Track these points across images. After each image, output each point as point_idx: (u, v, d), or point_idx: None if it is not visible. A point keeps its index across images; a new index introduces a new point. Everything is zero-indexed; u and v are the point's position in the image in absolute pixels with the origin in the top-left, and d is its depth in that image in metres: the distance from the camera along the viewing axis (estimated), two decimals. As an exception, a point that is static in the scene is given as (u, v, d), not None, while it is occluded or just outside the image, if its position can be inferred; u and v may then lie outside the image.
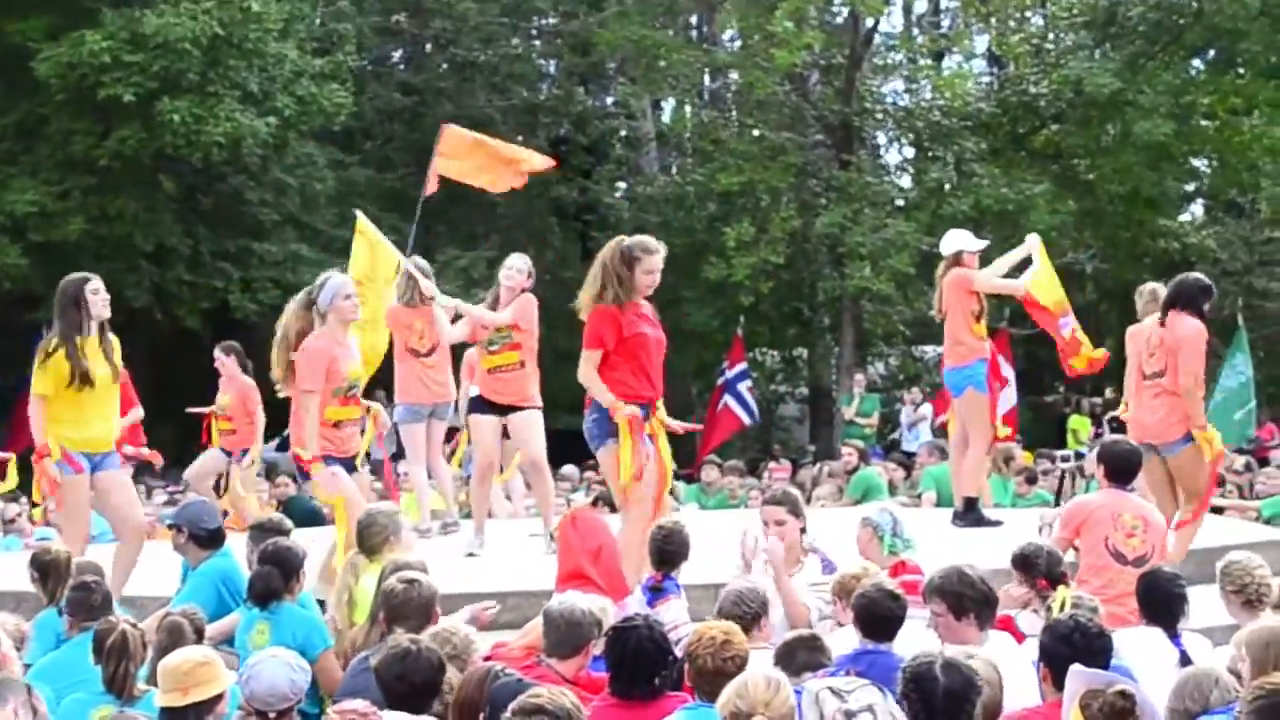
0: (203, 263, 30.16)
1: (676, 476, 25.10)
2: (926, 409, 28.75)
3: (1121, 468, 11.30)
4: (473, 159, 17.82)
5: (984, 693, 6.96)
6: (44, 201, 27.77)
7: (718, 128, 34.78)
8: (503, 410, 14.29)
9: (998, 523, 14.90)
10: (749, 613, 9.27)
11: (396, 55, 37.39)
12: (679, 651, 8.13)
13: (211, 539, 10.81)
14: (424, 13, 35.73)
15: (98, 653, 8.40)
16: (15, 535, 19.08)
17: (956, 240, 15.62)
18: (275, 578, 9.80)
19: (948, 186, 32.45)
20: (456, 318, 15.07)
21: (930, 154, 33.36)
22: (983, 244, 15.84)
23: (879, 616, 8.79)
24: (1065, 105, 31.89)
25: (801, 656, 8.24)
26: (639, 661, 7.85)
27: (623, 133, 37.44)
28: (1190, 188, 36.05)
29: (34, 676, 9.23)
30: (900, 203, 32.50)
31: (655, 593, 10.23)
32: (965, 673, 6.62)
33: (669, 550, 10.29)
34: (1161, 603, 9.41)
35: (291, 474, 20.89)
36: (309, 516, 19.18)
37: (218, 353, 18.39)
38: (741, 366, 30.25)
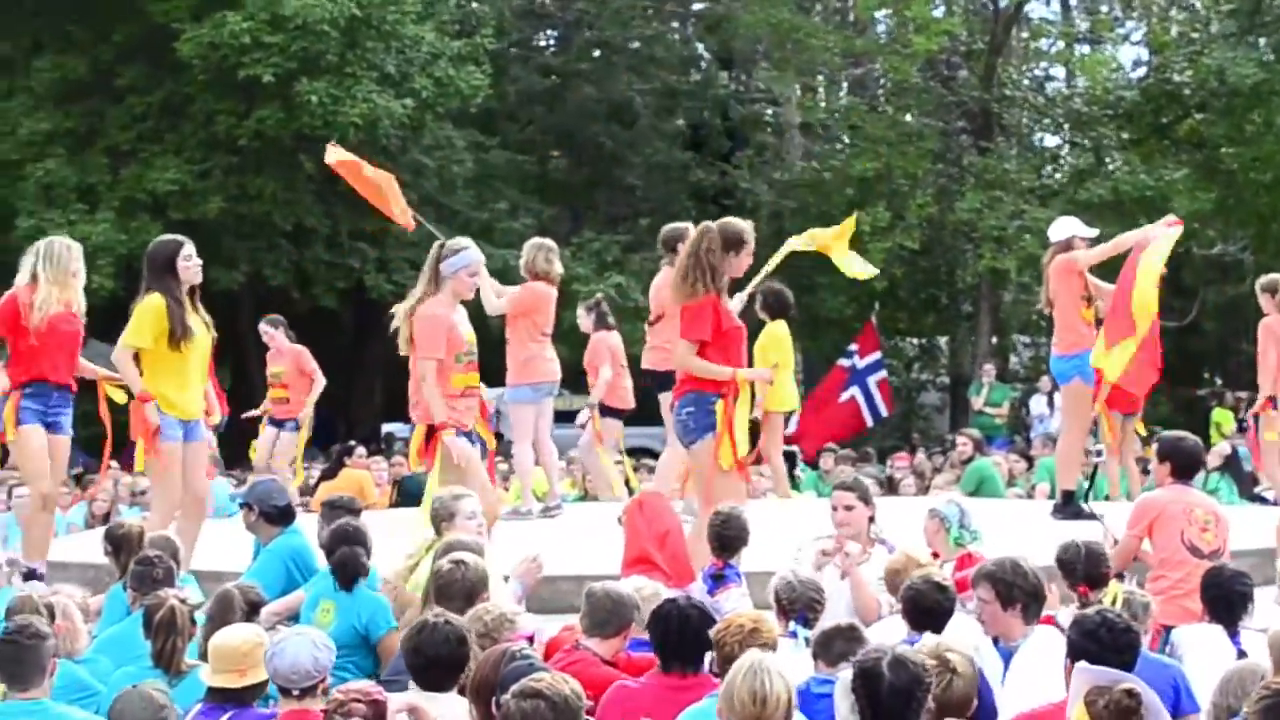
0: (340, 243, 30.52)
1: (791, 460, 25.23)
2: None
3: (1186, 463, 11.21)
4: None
5: (955, 686, 6.96)
6: (185, 180, 28.24)
7: (857, 113, 34.61)
8: None
9: (1096, 516, 14.70)
10: (799, 600, 9.28)
11: (539, 38, 37.49)
12: None
13: (282, 515, 10.95)
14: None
15: (147, 628, 8.57)
16: (139, 507, 19.27)
17: (1066, 226, 15.41)
18: (361, 557, 9.90)
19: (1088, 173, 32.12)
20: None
21: (1071, 141, 33.03)
22: (1094, 231, 15.62)
23: (925, 608, 8.78)
24: (1209, 94, 31.44)
25: (839, 646, 8.21)
26: (683, 636, 7.89)
27: (766, 116, 37.38)
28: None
29: (97, 649, 9.49)
30: (1038, 190, 32.10)
31: (716, 580, 10.23)
32: (913, 670, 6.55)
33: (728, 536, 10.26)
34: (1223, 599, 9.34)
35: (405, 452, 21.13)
36: (422, 494, 19.41)
37: (264, 326, 18.77)
38: (874, 356, 29.47)
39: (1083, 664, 6.77)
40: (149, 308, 11.75)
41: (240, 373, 32.40)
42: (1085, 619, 7.56)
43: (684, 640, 7.88)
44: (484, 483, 12.12)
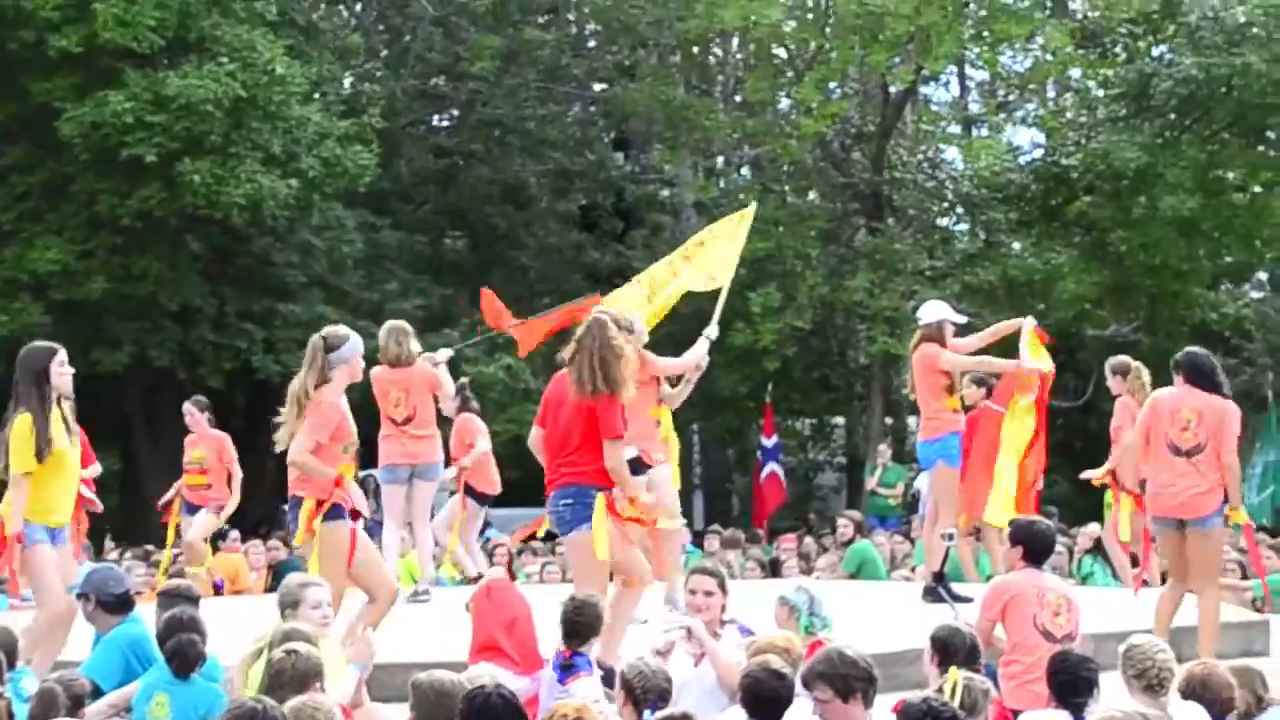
0: (227, 323, 30.25)
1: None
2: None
3: (1039, 548, 11.19)
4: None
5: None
6: (67, 260, 27.92)
7: (751, 193, 34.68)
8: None
9: (965, 599, 14.66)
10: (652, 689, 9.17)
11: (432, 119, 37.44)
12: None
13: (120, 604, 10.73)
14: (460, 76, 35.85)
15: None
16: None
17: (935, 310, 15.51)
18: (199, 645, 9.72)
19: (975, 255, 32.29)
20: None
21: (961, 223, 33.21)
22: (961, 319, 15.71)
23: (764, 697, 8.70)
24: (1096, 177, 31.67)
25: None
26: None
27: (661, 196, 37.43)
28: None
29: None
30: (928, 271, 32.21)
31: (565, 670, 10.10)
32: None
33: (580, 623, 10.16)
34: (1069, 685, 9.33)
35: (283, 537, 20.95)
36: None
37: (188, 406, 18.47)
38: (772, 442, 30.29)
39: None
40: (20, 432, 11.60)
41: (128, 455, 32.09)
42: (911, 707, 7.49)
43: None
44: (372, 561, 11.98)
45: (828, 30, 31.50)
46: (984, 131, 35.98)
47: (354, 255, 32.06)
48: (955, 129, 36.30)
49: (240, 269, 31.15)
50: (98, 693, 10.24)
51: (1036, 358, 15.47)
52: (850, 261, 32.53)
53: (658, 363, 13.95)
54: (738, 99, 34.93)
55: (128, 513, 30.18)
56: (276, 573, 20.08)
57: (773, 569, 21.85)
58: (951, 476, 15.13)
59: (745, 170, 38.25)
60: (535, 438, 11.89)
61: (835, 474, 39.08)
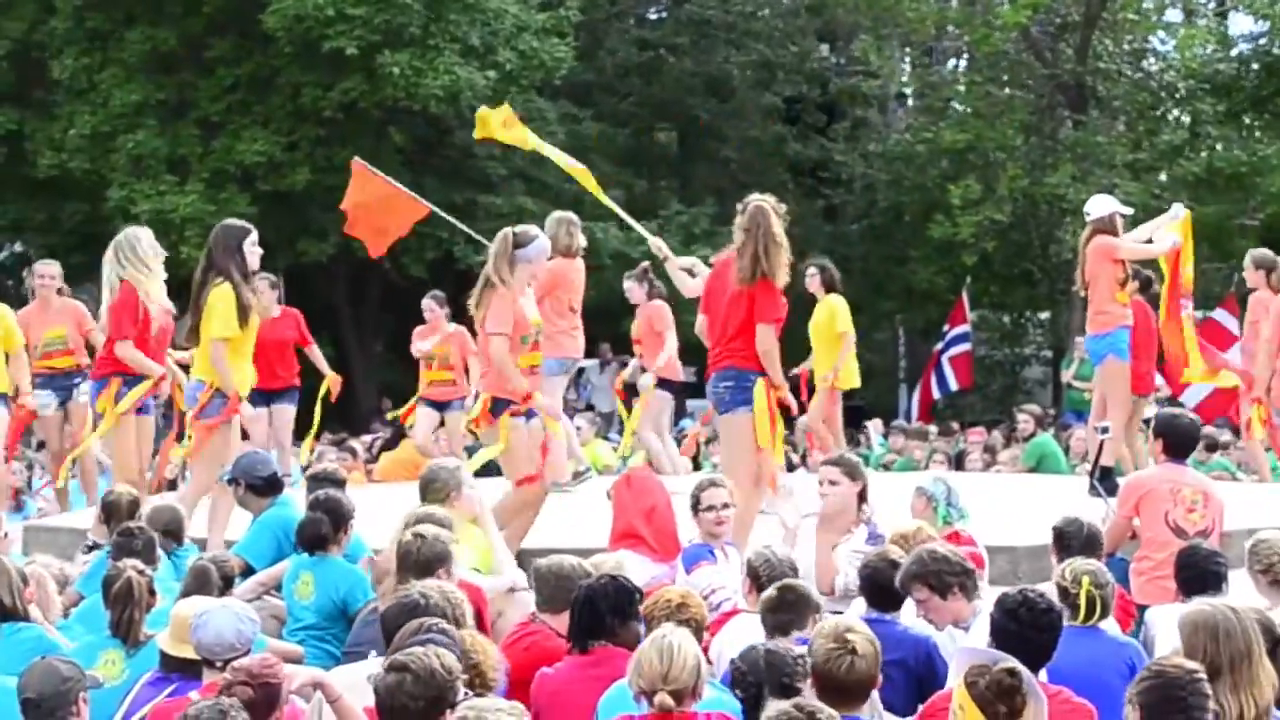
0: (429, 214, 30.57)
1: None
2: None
3: (1180, 442, 11.07)
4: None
5: (857, 666, 6.96)
6: (272, 152, 28.52)
7: (948, 84, 34.46)
8: None
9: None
10: (776, 575, 9.29)
11: (637, 11, 37.46)
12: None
13: (269, 486, 11.07)
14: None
15: (105, 598, 8.70)
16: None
17: (1103, 204, 15.37)
18: (324, 524, 10.04)
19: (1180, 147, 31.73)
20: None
21: (1164, 114, 32.64)
22: (1130, 210, 15.58)
23: (882, 586, 8.79)
24: (1309, 67, 31.03)
25: (786, 615, 8.24)
26: (586, 613, 8.00)
27: (866, 87, 37.21)
28: None
29: (76, 618, 9.66)
30: (1133, 163, 31.74)
31: (693, 558, 10.29)
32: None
33: None
34: (1196, 579, 9.31)
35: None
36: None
37: (429, 303, 18.36)
38: (957, 330, 29.80)
39: (966, 644, 6.76)
40: (224, 296, 12.05)
41: (336, 343, 32.75)
42: (1006, 598, 7.56)
43: (594, 616, 7.97)
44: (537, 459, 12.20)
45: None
46: (1196, 21, 35.32)
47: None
48: (1171, 15, 35.60)
49: (443, 160, 31.55)
50: (250, 571, 10.63)
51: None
52: (1053, 153, 32.16)
53: None
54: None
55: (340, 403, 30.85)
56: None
57: (957, 462, 21.82)
58: (1121, 371, 14.97)
59: (957, 61, 37.79)
60: (701, 324, 12.07)
61: (1041, 367, 38.76)
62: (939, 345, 30.02)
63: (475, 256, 30.25)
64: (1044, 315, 38.03)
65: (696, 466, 19.72)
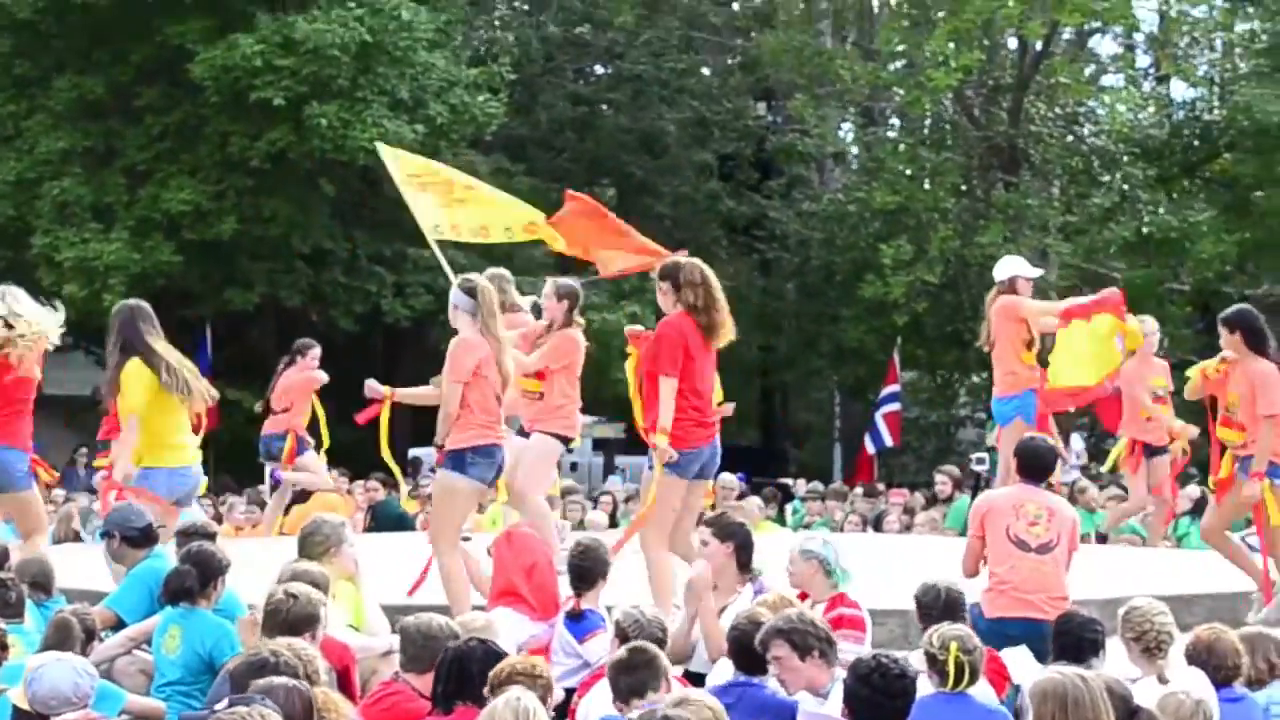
0: (358, 266, 30.59)
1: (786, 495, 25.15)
2: (1076, 440, 28.11)
3: (1034, 464, 11.00)
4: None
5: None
6: (199, 200, 28.40)
7: (882, 145, 34.57)
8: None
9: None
10: (645, 636, 9.15)
11: (571, 68, 37.46)
12: None
13: (143, 539, 10.91)
14: (600, 24, 35.94)
15: (-44, 650, 8.54)
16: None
17: (1010, 266, 15.34)
18: (190, 577, 9.86)
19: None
20: None
21: (1096, 178, 32.76)
22: (1038, 271, 15.56)
23: (749, 648, 8.66)
24: (1238, 133, 31.12)
25: (634, 678, 8.09)
26: (454, 674, 7.93)
27: (800, 146, 37.26)
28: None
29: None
30: (1063, 226, 31.89)
31: (575, 621, 10.14)
32: None
33: (584, 568, 10.22)
34: (1072, 646, 9.19)
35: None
36: (395, 522, 19.45)
37: None
38: (890, 389, 30.07)
39: (820, 711, 6.67)
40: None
41: (263, 392, 32.53)
42: (860, 663, 7.50)
43: (463, 677, 7.86)
44: None
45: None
46: (1140, 86, 35.54)
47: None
48: (1111, 79, 35.84)
49: (372, 211, 31.48)
50: (121, 624, 10.46)
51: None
52: (985, 215, 32.24)
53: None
54: (871, 48, 34.67)
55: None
56: (374, 513, 20.37)
57: (876, 523, 21.73)
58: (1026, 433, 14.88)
59: (901, 121, 37.93)
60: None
61: (975, 429, 38.79)
62: (875, 404, 30.26)
63: (402, 309, 30.30)
64: (976, 378, 38.12)
65: (613, 524, 19.61)
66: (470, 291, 11.39)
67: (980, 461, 13.88)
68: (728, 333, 11.63)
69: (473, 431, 11.21)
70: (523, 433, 13.93)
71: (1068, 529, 10.67)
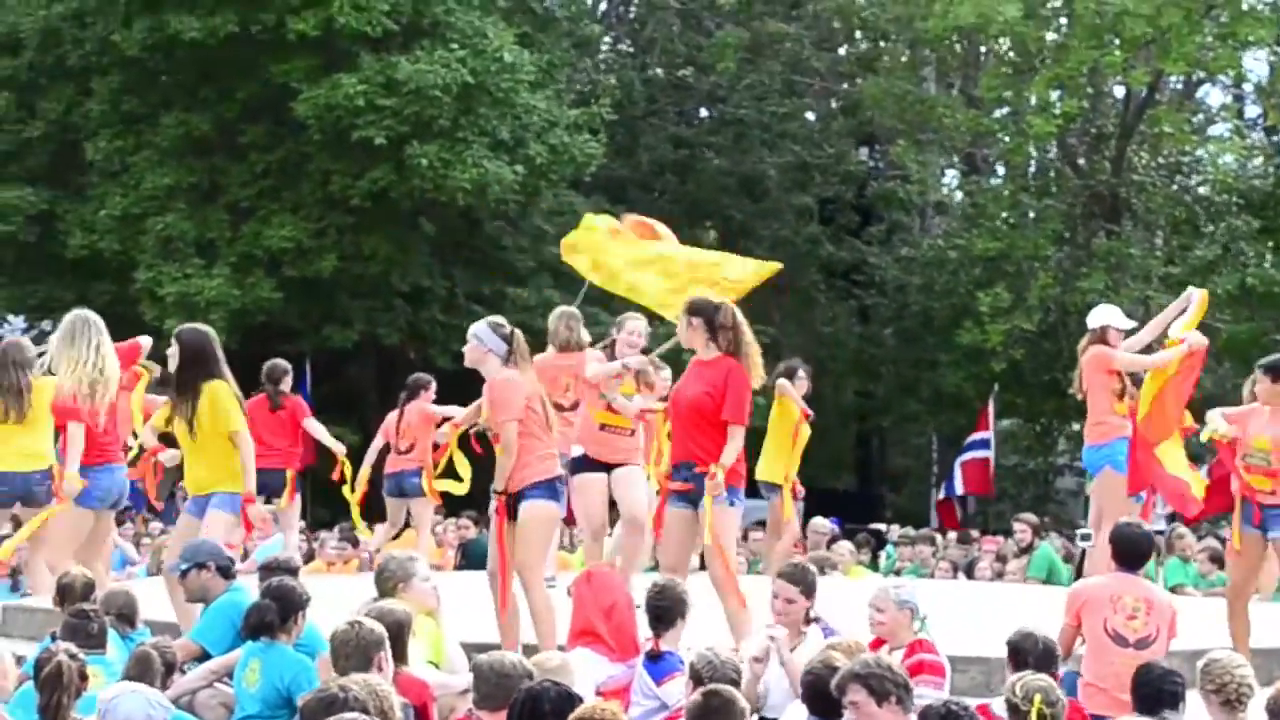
0: (457, 304, 30.73)
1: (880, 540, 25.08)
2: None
3: (1129, 550, 10.88)
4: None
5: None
6: (300, 237, 28.67)
7: (983, 192, 34.47)
8: (609, 468, 14.16)
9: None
10: (719, 678, 9.15)
11: (673, 110, 37.57)
12: None
13: (231, 570, 11.01)
14: (704, 67, 36.07)
15: (36, 681, 8.60)
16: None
17: (1102, 315, 15.22)
18: (270, 612, 9.92)
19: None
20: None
21: (1199, 228, 32.53)
22: (1131, 323, 15.43)
23: (823, 692, 8.63)
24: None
25: None
26: (527, 713, 7.80)
27: (901, 192, 37.20)
28: None
29: (16, 700, 9.54)
30: (1165, 277, 31.63)
31: (654, 661, 10.15)
32: None
33: (662, 607, 10.22)
34: (1152, 697, 9.14)
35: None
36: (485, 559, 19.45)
37: None
38: (980, 435, 29.85)
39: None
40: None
41: (363, 428, 32.77)
42: (930, 711, 7.44)
43: (536, 716, 7.80)
44: None
45: (1063, 29, 31.04)
46: (1249, 135, 35.31)
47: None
48: (1219, 129, 35.60)
49: (472, 251, 31.68)
50: (206, 656, 10.55)
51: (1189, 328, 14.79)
52: (1085, 263, 32.06)
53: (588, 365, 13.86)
54: (974, 94, 34.58)
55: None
56: (465, 551, 20.42)
57: (969, 570, 21.62)
58: (1118, 483, 14.77)
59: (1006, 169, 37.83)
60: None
61: (1074, 477, 38.56)
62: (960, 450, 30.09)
63: (502, 349, 30.41)
64: (1076, 426, 37.88)
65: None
66: (505, 337, 11.39)
67: (1086, 538, 13.75)
68: (759, 375, 11.66)
69: (550, 460, 11.29)
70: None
71: (1166, 620, 10.54)
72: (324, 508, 27.24)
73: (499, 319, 11.84)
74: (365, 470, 17.95)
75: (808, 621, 10.39)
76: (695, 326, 11.58)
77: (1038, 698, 8.27)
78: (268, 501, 16.31)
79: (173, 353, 12.11)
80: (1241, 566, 12.54)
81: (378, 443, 18.18)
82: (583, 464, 14.08)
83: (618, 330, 14.30)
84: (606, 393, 13.89)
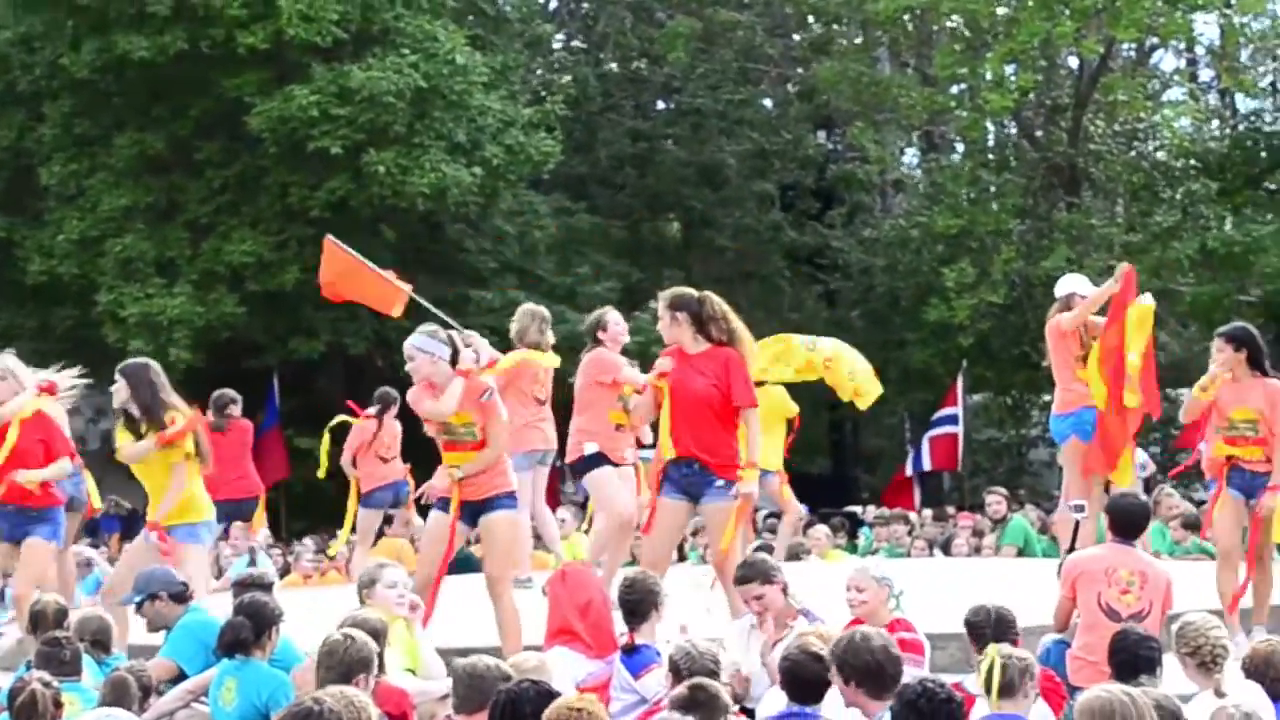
0: (421, 311, 30.55)
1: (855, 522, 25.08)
2: (1141, 455, 27.86)
3: (1126, 521, 10.89)
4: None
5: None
6: (261, 252, 28.58)
7: (941, 170, 34.48)
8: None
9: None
10: (697, 669, 9.13)
11: (628, 104, 37.52)
12: None
13: (185, 595, 11.01)
14: (656, 59, 36.03)
15: (10, 709, 8.56)
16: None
17: (1069, 284, 15.18)
18: (244, 629, 9.91)
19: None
20: None
21: (1158, 195, 32.57)
22: (1095, 289, 15.38)
23: (803, 679, 8.63)
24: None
25: (698, 715, 8.07)
26: (507, 716, 7.79)
27: (860, 173, 37.18)
28: None
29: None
30: (1127, 245, 31.65)
31: (630, 655, 10.13)
32: None
33: (633, 601, 10.21)
34: (1129, 664, 9.15)
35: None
36: (462, 564, 19.42)
37: None
38: (947, 411, 29.83)
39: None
40: None
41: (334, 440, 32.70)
42: (907, 689, 7.45)
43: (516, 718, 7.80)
44: None
45: (1013, 3, 31.05)
46: (1204, 100, 35.37)
47: (546, 240, 32.36)
48: (1175, 94, 35.66)
49: (434, 255, 31.61)
50: (182, 676, 10.52)
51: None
52: (1048, 236, 32.08)
53: (621, 370, 13.80)
54: (929, 73, 34.60)
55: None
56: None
57: (944, 548, 21.62)
58: (1082, 452, 14.76)
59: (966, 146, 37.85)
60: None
61: (1048, 449, 38.57)
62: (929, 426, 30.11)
63: (468, 354, 30.30)
64: (1048, 397, 37.90)
65: (681, 558, 19.55)
66: (444, 340, 11.80)
67: (1079, 509, 13.73)
68: (757, 362, 11.84)
69: (509, 471, 11.79)
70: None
71: (1160, 592, 10.55)
72: (299, 519, 27.24)
73: (429, 326, 12.04)
74: (353, 506, 18.08)
75: (794, 614, 10.34)
76: (680, 321, 11.63)
77: (992, 648, 8.28)
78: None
79: (119, 388, 12.09)
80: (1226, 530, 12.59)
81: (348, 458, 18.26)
82: (601, 459, 14.06)
83: (601, 328, 14.16)
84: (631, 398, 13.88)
